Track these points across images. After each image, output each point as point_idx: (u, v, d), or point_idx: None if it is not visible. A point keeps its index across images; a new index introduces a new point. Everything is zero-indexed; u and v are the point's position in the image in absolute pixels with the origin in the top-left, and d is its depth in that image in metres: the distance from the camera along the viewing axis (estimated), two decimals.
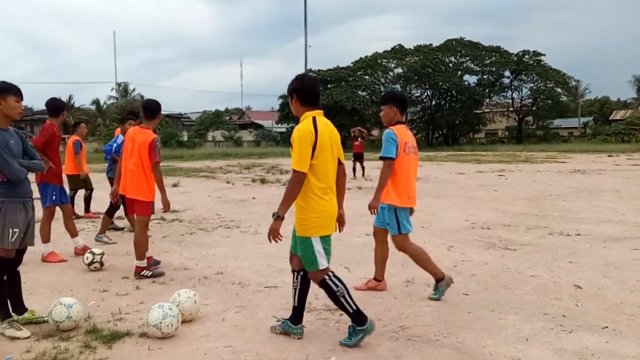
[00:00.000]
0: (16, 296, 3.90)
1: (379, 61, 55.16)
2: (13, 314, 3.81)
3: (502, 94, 58.45)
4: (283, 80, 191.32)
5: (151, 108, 5.32)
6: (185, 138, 47.79)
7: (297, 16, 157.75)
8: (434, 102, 56.49)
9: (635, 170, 19.85)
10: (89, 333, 3.68)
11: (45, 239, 5.96)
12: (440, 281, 4.51)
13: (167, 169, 23.88)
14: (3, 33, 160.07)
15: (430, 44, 56.20)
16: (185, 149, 39.95)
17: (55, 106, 6.01)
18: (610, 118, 60.31)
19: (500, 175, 18.04)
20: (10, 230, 3.63)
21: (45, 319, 3.84)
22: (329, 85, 51.90)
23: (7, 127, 3.74)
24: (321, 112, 3.52)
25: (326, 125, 3.49)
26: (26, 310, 3.94)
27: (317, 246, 3.44)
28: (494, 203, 10.78)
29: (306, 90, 3.51)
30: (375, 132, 62.56)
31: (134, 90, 60.41)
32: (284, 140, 54.96)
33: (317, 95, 3.53)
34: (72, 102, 54.05)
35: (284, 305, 4.23)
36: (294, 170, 3.35)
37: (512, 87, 57.86)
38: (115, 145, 7.69)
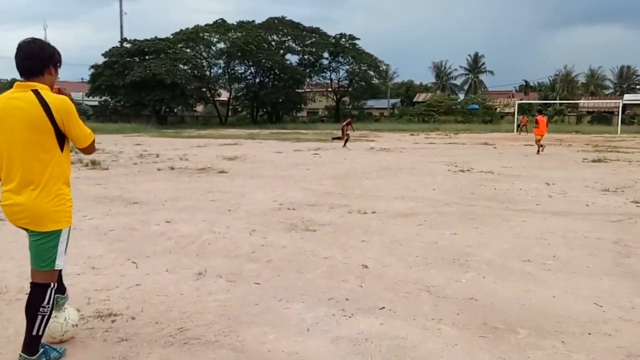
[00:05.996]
0: None
1: (201, 35, 53.42)
2: None
3: (322, 74, 61.12)
4: (95, 48, 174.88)
5: None
6: None
7: None
8: (257, 80, 56.71)
9: (430, 148, 22.18)
10: None
11: None
12: None
13: None
14: None
15: (253, 21, 56.08)
16: None
17: None
18: (414, 100, 66.99)
19: (315, 154, 18.68)
20: None
21: None
22: (146, 57, 48.82)
23: None
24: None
25: None
26: None
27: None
28: (305, 182, 11.00)
29: None
30: (199, 108, 60.87)
31: None
32: (97, 114, 50.47)
33: None
34: None
35: None
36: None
37: (331, 68, 60.78)
38: None
